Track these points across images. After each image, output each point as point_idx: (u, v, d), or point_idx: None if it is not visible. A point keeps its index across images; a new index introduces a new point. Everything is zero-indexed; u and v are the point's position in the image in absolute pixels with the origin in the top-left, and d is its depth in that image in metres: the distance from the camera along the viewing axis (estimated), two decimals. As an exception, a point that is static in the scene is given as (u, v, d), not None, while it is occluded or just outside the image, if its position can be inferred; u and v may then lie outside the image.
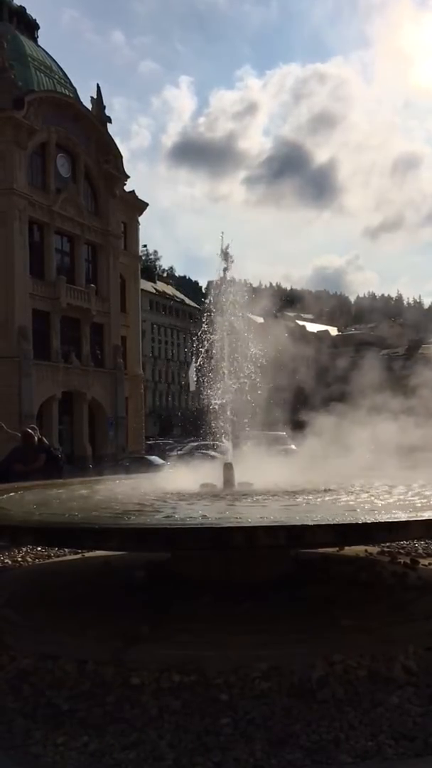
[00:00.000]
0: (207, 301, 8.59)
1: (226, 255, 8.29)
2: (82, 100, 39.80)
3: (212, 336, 8.22)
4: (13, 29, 37.13)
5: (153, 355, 73.74)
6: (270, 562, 4.83)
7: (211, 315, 8.25)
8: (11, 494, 6.48)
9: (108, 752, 2.73)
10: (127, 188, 42.80)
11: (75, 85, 41.47)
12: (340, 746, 2.72)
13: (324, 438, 9.07)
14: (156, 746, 2.76)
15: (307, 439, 9.61)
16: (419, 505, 5.13)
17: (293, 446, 13.07)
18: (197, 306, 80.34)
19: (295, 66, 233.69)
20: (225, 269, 8.33)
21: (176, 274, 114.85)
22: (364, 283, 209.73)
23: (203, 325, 8.34)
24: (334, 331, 67.73)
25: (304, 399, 14.48)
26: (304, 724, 2.91)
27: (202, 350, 8.35)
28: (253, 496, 6.00)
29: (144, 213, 45.63)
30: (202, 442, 13.25)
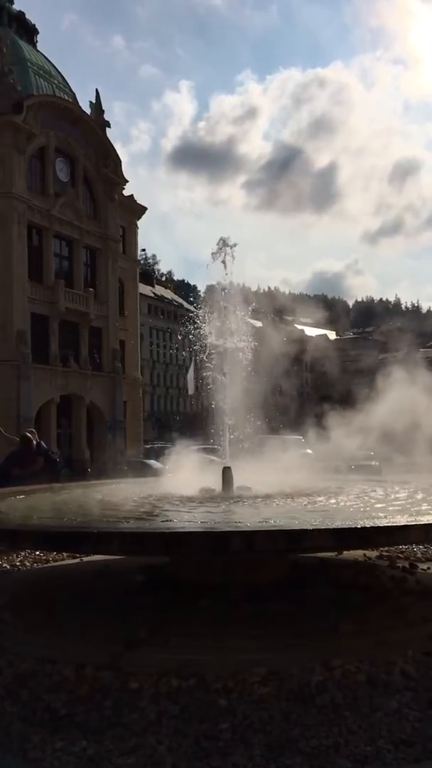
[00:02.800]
0: (203, 305, 8.59)
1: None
2: (81, 104, 39.89)
3: (212, 340, 8.22)
4: (12, 34, 37.17)
5: (151, 358, 73.60)
6: (269, 567, 4.82)
7: (210, 319, 8.24)
8: (10, 498, 6.46)
9: (106, 757, 2.73)
10: (126, 192, 42.80)
11: (74, 89, 41.54)
12: (339, 751, 2.72)
13: (340, 442, 8.98)
14: (155, 751, 2.76)
15: (324, 443, 9.49)
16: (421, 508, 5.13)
17: (309, 450, 13.02)
18: (196, 310, 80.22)
19: (295, 71, 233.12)
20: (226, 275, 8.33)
21: (175, 278, 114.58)
22: (363, 287, 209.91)
23: (201, 329, 8.33)
24: (332, 335, 67.80)
25: (324, 403, 14.41)
26: (303, 729, 2.91)
27: (202, 354, 8.35)
28: (252, 500, 6.00)
29: (143, 217, 45.75)
30: (201, 446, 13.21)
